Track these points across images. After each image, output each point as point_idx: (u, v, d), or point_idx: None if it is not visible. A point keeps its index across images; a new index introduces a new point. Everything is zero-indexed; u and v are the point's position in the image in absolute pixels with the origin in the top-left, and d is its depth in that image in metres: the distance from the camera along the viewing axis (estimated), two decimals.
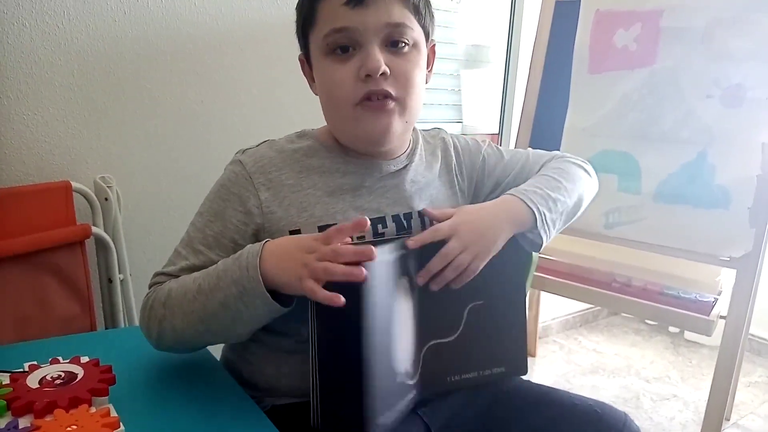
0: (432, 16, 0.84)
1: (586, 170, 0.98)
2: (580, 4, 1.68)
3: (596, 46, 1.64)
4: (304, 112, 1.52)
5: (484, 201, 0.94)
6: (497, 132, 2.22)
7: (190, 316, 0.73)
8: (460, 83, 2.19)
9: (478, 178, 0.96)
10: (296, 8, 0.83)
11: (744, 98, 1.43)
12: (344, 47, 0.76)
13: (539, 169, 0.95)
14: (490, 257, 0.80)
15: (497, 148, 0.99)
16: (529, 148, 1.02)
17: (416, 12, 0.79)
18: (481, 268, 0.79)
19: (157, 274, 0.82)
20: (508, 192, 0.86)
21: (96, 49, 1.24)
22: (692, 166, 1.48)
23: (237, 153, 0.85)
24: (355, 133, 0.81)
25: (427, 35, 0.83)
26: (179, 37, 1.33)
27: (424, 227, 0.85)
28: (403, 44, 0.78)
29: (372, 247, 0.66)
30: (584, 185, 0.94)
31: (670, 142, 1.52)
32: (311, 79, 0.85)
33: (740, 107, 1.43)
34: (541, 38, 1.81)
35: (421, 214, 0.86)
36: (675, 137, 1.51)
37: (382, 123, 0.78)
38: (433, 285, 0.77)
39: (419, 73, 0.81)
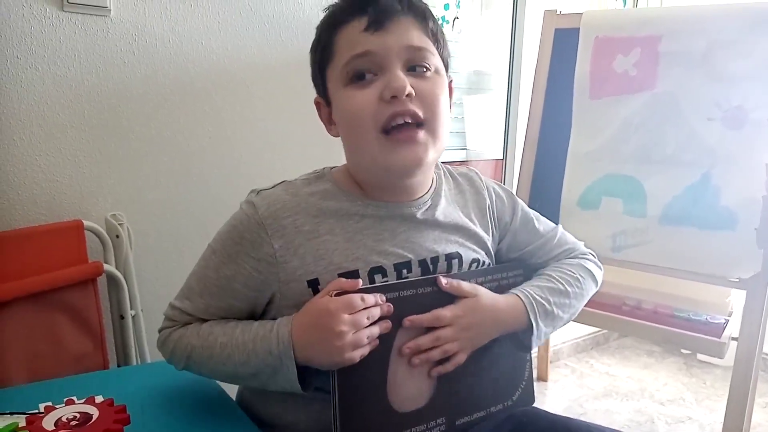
0: (448, 51, 0.83)
1: (596, 281, 0.97)
2: (579, 31, 1.71)
3: (596, 71, 1.67)
4: (311, 146, 1.54)
5: (497, 249, 0.95)
6: (502, 158, 2.24)
7: (217, 373, 0.80)
8: (464, 110, 2.21)
9: (503, 230, 0.95)
10: (311, 49, 0.83)
11: (746, 120, 1.44)
12: (363, 75, 0.75)
13: (558, 254, 0.96)
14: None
15: (531, 211, 0.98)
16: (560, 226, 1.00)
17: (435, 40, 0.79)
18: (463, 361, 0.80)
19: (173, 307, 0.83)
20: (520, 294, 0.85)
21: (106, 90, 1.26)
22: (696, 188, 1.49)
23: (251, 192, 0.82)
24: (384, 166, 0.77)
25: (446, 66, 0.82)
26: (187, 76, 1.36)
27: (450, 270, 0.84)
28: (425, 68, 0.77)
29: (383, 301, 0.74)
30: (585, 301, 0.94)
31: (674, 164, 1.53)
32: (328, 122, 0.84)
33: (742, 129, 1.44)
34: (542, 65, 1.84)
35: (449, 257, 0.85)
36: (678, 160, 1.52)
37: (413, 154, 0.76)
38: (415, 359, 0.77)
39: (444, 97, 0.79)
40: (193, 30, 1.36)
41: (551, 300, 0.86)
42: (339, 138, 0.83)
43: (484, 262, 0.89)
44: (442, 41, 0.81)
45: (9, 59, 1.15)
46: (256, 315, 0.82)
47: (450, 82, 0.85)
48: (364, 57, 0.75)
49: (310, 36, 0.84)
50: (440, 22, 1.95)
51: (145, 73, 1.31)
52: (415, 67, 0.76)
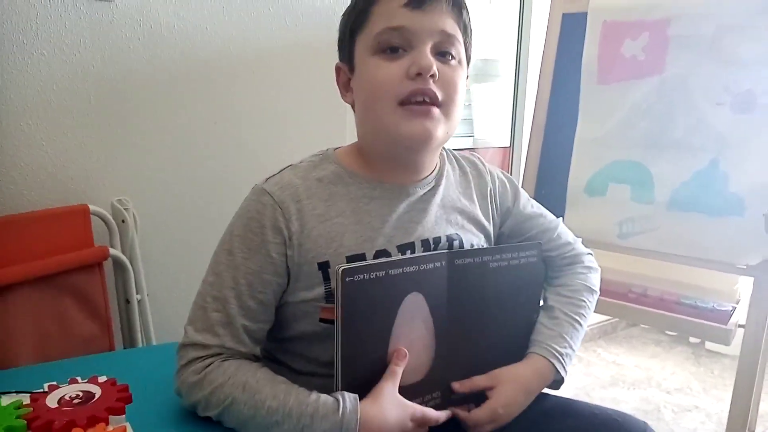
0: (472, 48, 0.85)
1: (597, 292, 0.99)
2: (587, 16, 1.69)
3: (604, 56, 1.65)
4: (315, 130, 1.54)
5: (496, 234, 0.96)
6: (509, 145, 2.23)
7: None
8: (471, 98, 2.20)
9: (504, 215, 0.97)
10: (345, 13, 0.84)
11: (755, 104, 1.42)
12: (394, 48, 0.77)
13: (558, 246, 0.97)
14: None
15: (533, 200, 1.00)
16: (560, 219, 1.01)
17: (465, 32, 0.82)
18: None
19: (194, 343, 0.76)
20: (545, 353, 0.87)
21: (111, 75, 1.27)
22: (705, 174, 1.47)
23: (258, 184, 0.82)
24: (395, 135, 0.78)
25: (468, 60, 0.84)
26: (192, 61, 1.36)
27: (450, 248, 0.86)
28: (451, 56, 0.79)
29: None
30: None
31: (682, 150, 1.51)
32: (345, 88, 0.85)
33: (752, 113, 1.42)
34: (549, 50, 1.82)
35: (450, 239, 0.86)
36: (687, 145, 1.50)
37: (425, 127, 0.77)
38: None
39: (462, 87, 0.81)
40: (198, 15, 1.36)
41: (571, 343, 0.90)
42: (346, 135, 0.85)
43: (482, 246, 0.91)
44: (470, 36, 0.83)
45: (15, 44, 1.15)
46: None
47: (466, 78, 0.87)
48: (397, 31, 0.76)
49: (316, 21, 0.84)
50: None
51: (150, 59, 1.31)
52: (443, 52, 0.78)
